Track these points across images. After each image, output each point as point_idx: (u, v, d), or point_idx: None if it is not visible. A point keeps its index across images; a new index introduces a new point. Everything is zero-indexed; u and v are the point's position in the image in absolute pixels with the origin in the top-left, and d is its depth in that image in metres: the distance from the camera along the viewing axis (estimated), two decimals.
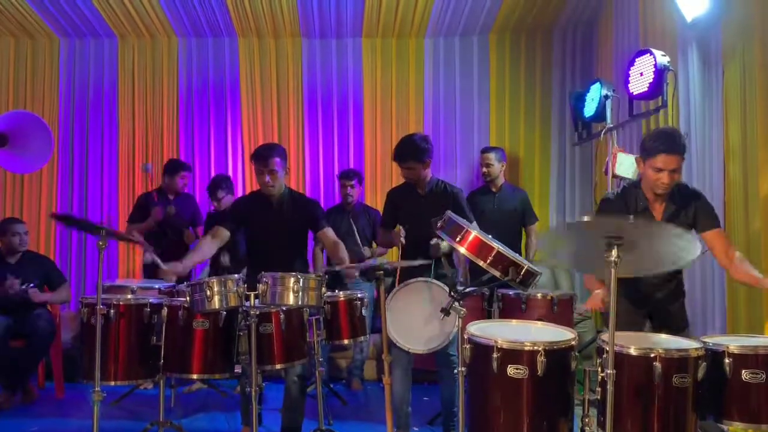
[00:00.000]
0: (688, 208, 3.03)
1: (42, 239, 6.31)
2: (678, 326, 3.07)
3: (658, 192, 2.98)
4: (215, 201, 5.29)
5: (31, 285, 4.78)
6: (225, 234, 3.80)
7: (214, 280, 3.06)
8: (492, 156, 5.08)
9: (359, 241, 5.24)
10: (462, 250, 2.64)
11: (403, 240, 3.68)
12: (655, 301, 3.12)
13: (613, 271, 2.25)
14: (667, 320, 3.11)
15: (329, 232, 3.86)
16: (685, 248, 2.37)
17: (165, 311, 3.36)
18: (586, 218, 2.51)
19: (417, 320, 3.46)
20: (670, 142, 2.88)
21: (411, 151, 3.75)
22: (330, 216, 5.28)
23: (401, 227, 3.77)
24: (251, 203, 3.93)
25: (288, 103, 6.38)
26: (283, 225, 3.79)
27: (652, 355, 2.38)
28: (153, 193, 5.56)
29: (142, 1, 5.63)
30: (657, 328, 3.07)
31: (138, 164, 6.35)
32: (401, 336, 3.49)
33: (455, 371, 3.65)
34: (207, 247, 3.78)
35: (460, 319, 2.72)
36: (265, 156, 3.71)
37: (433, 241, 3.56)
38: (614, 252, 2.22)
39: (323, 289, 3.22)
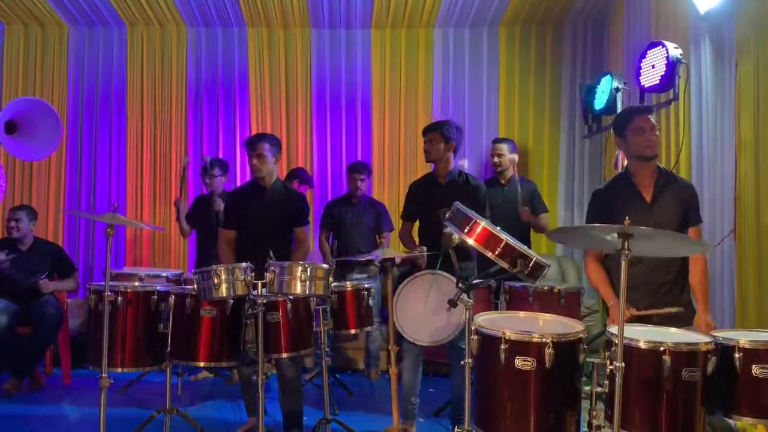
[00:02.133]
0: (678, 187, 3.07)
1: (50, 226, 6.33)
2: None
3: (647, 154, 3.01)
4: (208, 178, 5.16)
5: (42, 276, 4.80)
6: (232, 234, 3.97)
7: (221, 268, 3.05)
8: (504, 147, 5.02)
9: (366, 238, 5.26)
10: (470, 241, 2.63)
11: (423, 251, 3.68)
12: (656, 286, 3.05)
13: (623, 263, 2.23)
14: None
15: (307, 231, 4.03)
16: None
17: (172, 299, 3.36)
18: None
19: (425, 312, 3.46)
20: (637, 107, 3.14)
21: (439, 123, 3.94)
22: (336, 207, 5.31)
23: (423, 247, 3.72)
24: (245, 191, 4.07)
25: (296, 94, 6.37)
26: (274, 213, 3.90)
27: (662, 349, 2.36)
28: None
29: None
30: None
31: (146, 153, 6.38)
32: (409, 328, 3.48)
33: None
34: (230, 251, 3.94)
35: (468, 311, 2.71)
36: (253, 141, 3.92)
37: (446, 230, 3.53)
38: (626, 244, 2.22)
39: (330, 279, 3.21)
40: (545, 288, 4.13)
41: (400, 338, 3.61)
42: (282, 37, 6.37)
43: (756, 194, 3.46)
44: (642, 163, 3.05)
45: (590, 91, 5.07)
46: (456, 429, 2.79)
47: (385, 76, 6.37)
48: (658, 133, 3.03)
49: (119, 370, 3.41)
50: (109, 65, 6.41)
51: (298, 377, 3.71)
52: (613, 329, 2.41)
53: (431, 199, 3.85)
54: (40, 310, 4.73)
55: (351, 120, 6.39)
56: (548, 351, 2.41)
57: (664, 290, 3.04)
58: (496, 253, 2.58)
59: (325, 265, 3.18)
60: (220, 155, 6.26)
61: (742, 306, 3.55)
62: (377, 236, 5.36)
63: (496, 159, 5.00)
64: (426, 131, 3.95)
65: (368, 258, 4.83)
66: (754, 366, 2.43)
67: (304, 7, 5.91)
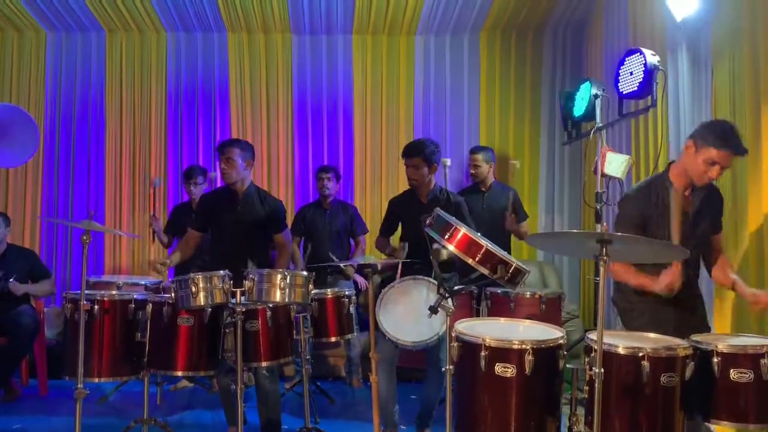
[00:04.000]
0: (713, 206, 2.99)
1: (27, 235, 6.24)
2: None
3: (699, 184, 2.86)
4: (193, 186, 5.16)
5: (12, 279, 4.70)
6: (197, 234, 3.97)
7: (199, 277, 3.02)
8: (480, 157, 5.05)
9: (339, 241, 5.25)
10: (451, 247, 2.63)
11: (404, 253, 3.64)
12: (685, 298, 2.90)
13: (602, 269, 2.24)
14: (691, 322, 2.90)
15: (286, 236, 4.03)
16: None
17: (150, 307, 3.32)
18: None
19: (409, 315, 3.44)
20: (735, 142, 2.76)
21: (421, 147, 3.82)
22: (307, 212, 5.28)
23: (404, 243, 3.69)
24: (218, 197, 4.04)
25: (277, 100, 6.35)
26: (248, 220, 3.87)
27: (640, 354, 2.37)
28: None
29: None
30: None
31: (125, 159, 6.32)
32: (391, 327, 3.45)
33: (443, 373, 3.68)
34: (186, 248, 3.97)
35: (448, 318, 2.70)
36: (224, 145, 3.90)
37: (435, 245, 3.52)
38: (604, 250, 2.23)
39: (310, 286, 3.19)
40: (526, 294, 4.14)
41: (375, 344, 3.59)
42: (262, 43, 6.35)
43: (733, 200, 3.49)
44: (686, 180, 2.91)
45: (569, 98, 5.08)
46: None
47: (366, 83, 6.37)
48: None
49: (96, 380, 3.38)
50: (87, 71, 6.34)
51: (276, 386, 3.67)
52: (593, 335, 2.41)
53: (414, 217, 3.81)
54: (15, 319, 4.64)
55: (332, 126, 6.38)
56: (528, 357, 2.41)
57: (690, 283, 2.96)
58: (477, 259, 2.58)
59: (304, 273, 3.16)
60: (200, 162, 6.22)
61: (719, 311, 3.58)
62: (352, 239, 5.37)
63: (473, 170, 5.06)
64: (408, 155, 3.82)
65: (344, 264, 4.82)
66: (731, 370, 2.46)
67: (285, 13, 5.89)
